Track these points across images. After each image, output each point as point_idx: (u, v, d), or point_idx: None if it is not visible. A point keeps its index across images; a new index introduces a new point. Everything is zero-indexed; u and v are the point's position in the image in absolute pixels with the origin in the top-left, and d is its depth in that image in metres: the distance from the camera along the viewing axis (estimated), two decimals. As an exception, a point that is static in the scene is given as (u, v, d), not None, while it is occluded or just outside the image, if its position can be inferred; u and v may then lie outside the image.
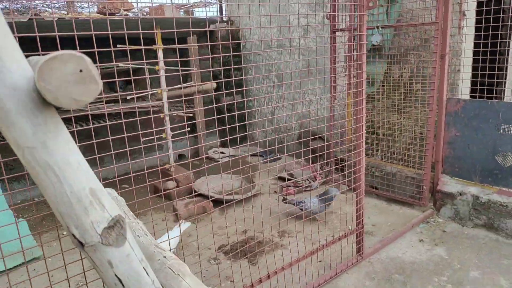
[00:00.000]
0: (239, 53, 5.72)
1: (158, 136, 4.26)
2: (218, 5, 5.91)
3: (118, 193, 1.63)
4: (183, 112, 4.58)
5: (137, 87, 4.91)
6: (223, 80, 2.11)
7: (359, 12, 2.49)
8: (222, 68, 2.16)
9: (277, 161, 5.04)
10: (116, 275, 0.80)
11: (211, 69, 1.89)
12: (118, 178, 1.70)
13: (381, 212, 3.71)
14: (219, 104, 2.03)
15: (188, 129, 4.43)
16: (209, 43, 1.84)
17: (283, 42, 5.14)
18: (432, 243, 3.11)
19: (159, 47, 3.87)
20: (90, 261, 0.78)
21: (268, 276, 2.38)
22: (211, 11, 5.94)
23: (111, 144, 1.69)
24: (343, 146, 4.11)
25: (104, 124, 1.59)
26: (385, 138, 4.00)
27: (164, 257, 1.09)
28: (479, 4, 3.39)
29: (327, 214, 3.60)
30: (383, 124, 3.99)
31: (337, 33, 3.82)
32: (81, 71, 0.69)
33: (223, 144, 5.72)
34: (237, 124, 2.24)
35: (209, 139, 5.73)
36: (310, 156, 4.64)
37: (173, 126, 4.08)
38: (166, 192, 3.92)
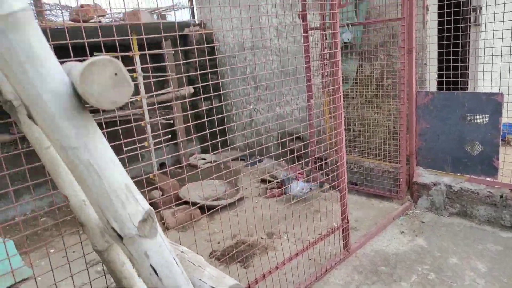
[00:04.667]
0: (214, 56, 5.77)
1: (140, 144, 4.24)
2: (190, 8, 5.96)
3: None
4: (164, 119, 4.57)
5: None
6: (200, 84, 2.16)
7: (331, 10, 2.63)
8: (198, 72, 2.18)
9: (257, 164, 5.12)
10: (151, 266, 0.85)
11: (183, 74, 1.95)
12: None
13: (362, 207, 3.87)
14: (197, 110, 2.13)
15: (169, 136, 4.45)
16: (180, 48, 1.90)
17: (256, 44, 5.24)
18: (412, 234, 3.28)
19: (136, 54, 3.87)
20: (127, 254, 0.83)
21: (264, 276, 2.45)
22: (184, 15, 6.00)
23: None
24: (322, 144, 4.24)
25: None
26: (361, 134, 4.17)
27: (182, 251, 1.15)
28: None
29: (313, 212, 3.69)
30: (359, 121, 4.17)
31: (309, 32, 3.94)
32: (116, 74, 0.75)
33: (204, 151, 5.74)
34: (216, 129, 2.28)
35: (189, 146, 5.73)
36: (289, 156, 4.75)
37: (153, 134, 4.07)
38: (151, 201, 3.87)
